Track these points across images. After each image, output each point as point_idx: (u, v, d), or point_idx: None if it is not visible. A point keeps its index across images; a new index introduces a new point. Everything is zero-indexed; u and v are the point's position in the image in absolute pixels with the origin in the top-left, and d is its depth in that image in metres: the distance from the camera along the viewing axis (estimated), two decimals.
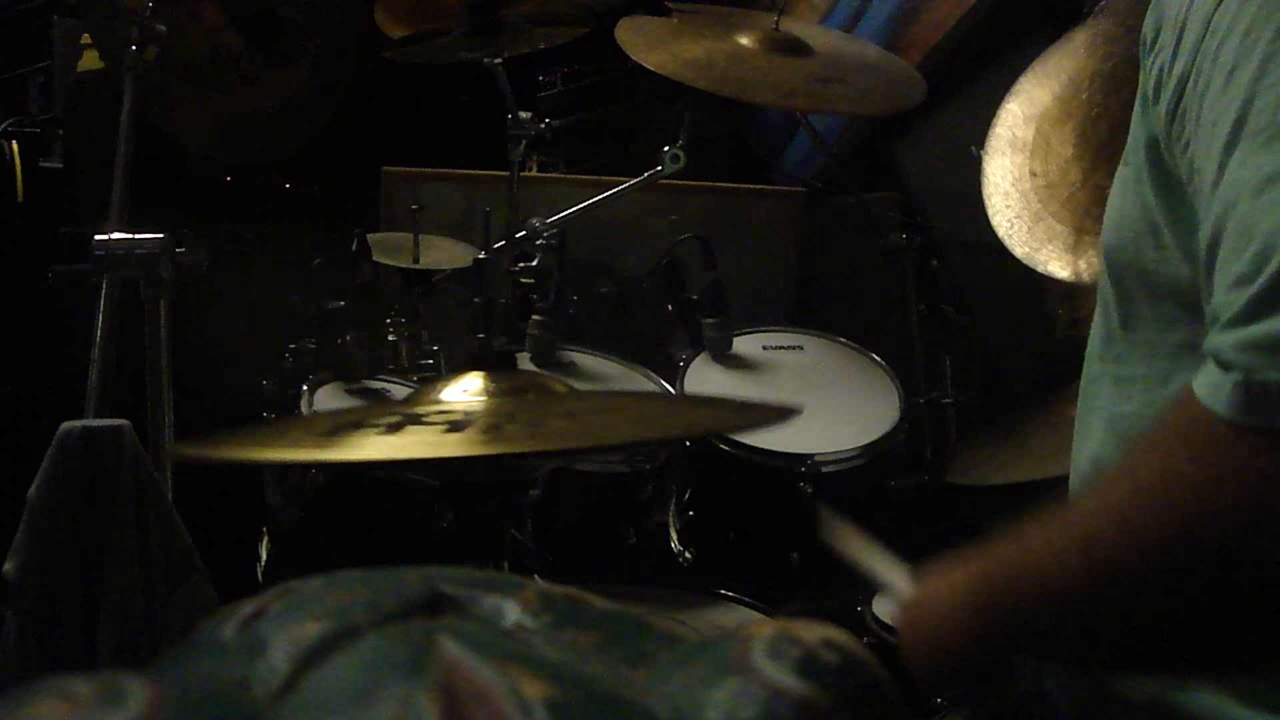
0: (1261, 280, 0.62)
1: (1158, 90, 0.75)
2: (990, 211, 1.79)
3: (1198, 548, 0.63)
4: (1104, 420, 0.87)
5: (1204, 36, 0.70)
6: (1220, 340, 0.64)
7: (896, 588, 0.91)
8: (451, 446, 0.75)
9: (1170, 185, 0.76)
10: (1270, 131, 0.65)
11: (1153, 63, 0.76)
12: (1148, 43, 0.77)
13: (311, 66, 2.60)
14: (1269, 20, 0.66)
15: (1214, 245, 0.67)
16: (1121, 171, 0.84)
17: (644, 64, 1.89)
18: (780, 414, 0.76)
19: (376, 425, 0.79)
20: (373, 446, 0.76)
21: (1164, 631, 0.68)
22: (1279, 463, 0.61)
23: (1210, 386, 0.64)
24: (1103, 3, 0.91)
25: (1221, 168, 0.67)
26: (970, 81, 2.44)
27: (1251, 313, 0.62)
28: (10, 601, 1.15)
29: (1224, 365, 0.63)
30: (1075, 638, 0.71)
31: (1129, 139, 0.82)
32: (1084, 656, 0.75)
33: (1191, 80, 0.71)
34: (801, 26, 2.21)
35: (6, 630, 1.15)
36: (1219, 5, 0.69)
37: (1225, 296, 0.64)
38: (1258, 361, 0.61)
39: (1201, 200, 0.70)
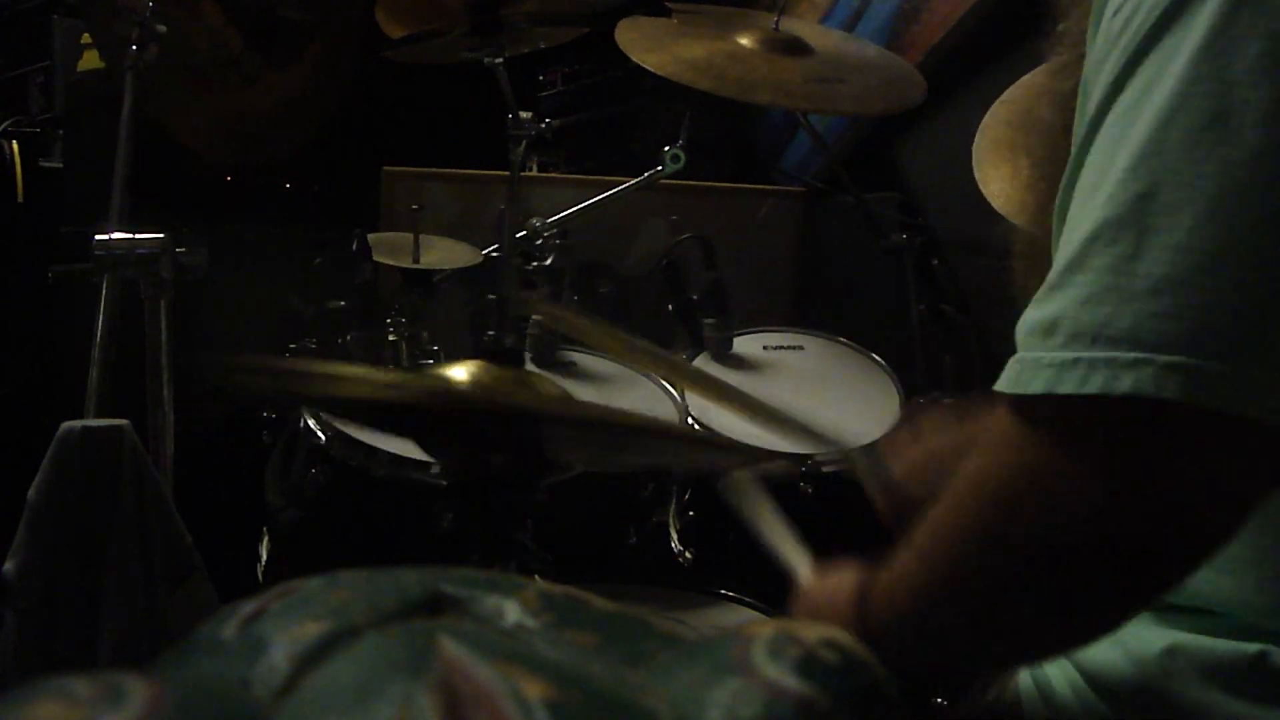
0: (1060, 264, 0.67)
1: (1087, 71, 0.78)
2: (980, 182, 1.78)
3: (978, 528, 0.70)
4: None
5: (1101, 41, 0.73)
6: (1020, 328, 0.70)
7: (796, 571, 0.96)
8: (425, 389, 0.74)
9: None
10: (1105, 136, 0.69)
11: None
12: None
13: (312, 66, 2.59)
14: (1135, 28, 0.69)
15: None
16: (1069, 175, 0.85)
17: (644, 65, 1.89)
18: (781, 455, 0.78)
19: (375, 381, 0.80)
20: (355, 382, 0.76)
21: (990, 618, 0.72)
22: (1032, 434, 0.66)
23: (1007, 373, 0.69)
24: (1059, 31, 0.92)
25: (1076, 168, 0.72)
26: (970, 81, 2.44)
27: (1039, 300, 0.69)
28: (10, 601, 1.15)
29: (1020, 348, 0.69)
30: (919, 641, 0.76)
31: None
32: (933, 659, 0.80)
33: (1094, 81, 0.74)
34: (801, 26, 2.21)
35: (6, 630, 1.15)
36: (1114, 12, 0.72)
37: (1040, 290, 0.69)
38: (1031, 344, 0.68)
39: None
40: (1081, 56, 0.84)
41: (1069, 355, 0.65)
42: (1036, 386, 0.66)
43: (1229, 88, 0.65)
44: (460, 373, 0.91)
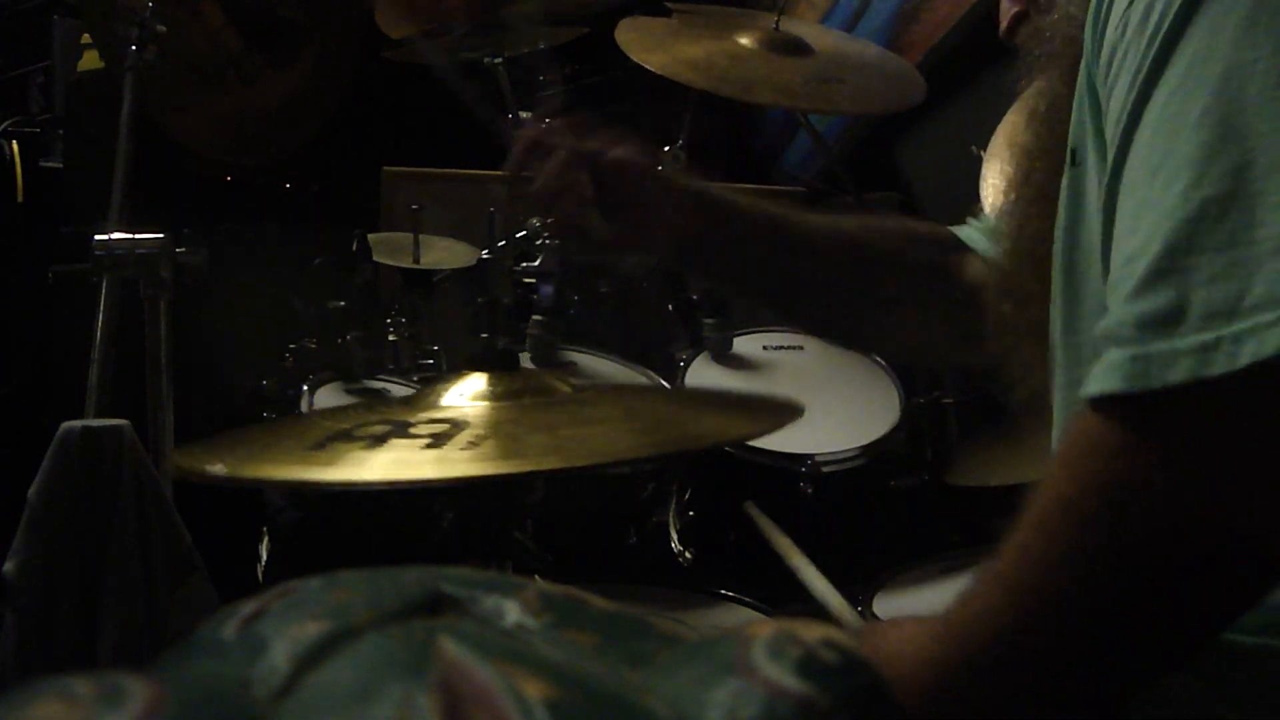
0: (1142, 264, 0.64)
1: (1102, 63, 0.77)
2: (988, 210, 1.79)
3: (1095, 546, 0.63)
4: (1060, 422, 0.89)
5: (1116, 35, 0.73)
6: (1107, 329, 0.65)
7: (830, 603, 0.92)
8: (418, 467, 0.75)
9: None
10: (1156, 123, 0.68)
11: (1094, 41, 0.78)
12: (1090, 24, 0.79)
13: (312, 66, 2.59)
14: (1163, 18, 0.69)
15: (1109, 230, 0.71)
16: (1070, 172, 0.85)
17: (644, 64, 1.89)
18: (782, 415, 0.77)
19: (363, 438, 0.80)
20: (352, 466, 0.76)
21: (1110, 644, 0.65)
22: (1177, 426, 0.62)
23: (1099, 377, 0.64)
24: (1040, 57, 0.92)
25: (1120, 160, 0.70)
26: (970, 81, 2.43)
27: (1134, 296, 0.64)
28: (10, 601, 1.15)
29: (1117, 342, 0.64)
30: (1018, 695, 0.67)
31: (1071, 138, 0.83)
32: (1025, 706, 0.68)
33: (1111, 75, 0.74)
34: (801, 26, 2.21)
35: (6, 630, 1.15)
36: (1130, 5, 0.72)
37: (1119, 274, 0.67)
38: (1144, 338, 0.63)
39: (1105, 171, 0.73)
40: (1063, 73, 0.84)
41: (1208, 336, 0.60)
42: (1177, 376, 0.60)
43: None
44: (459, 395, 0.90)
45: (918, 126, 2.66)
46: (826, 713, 0.44)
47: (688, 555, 1.78)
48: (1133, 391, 0.62)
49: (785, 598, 1.75)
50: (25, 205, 2.64)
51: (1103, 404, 0.64)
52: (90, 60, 2.77)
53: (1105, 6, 0.76)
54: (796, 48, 2.03)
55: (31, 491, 1.17)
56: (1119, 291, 0.66)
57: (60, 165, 2.73)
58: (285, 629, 0.46)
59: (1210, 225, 0.63)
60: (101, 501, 1.17)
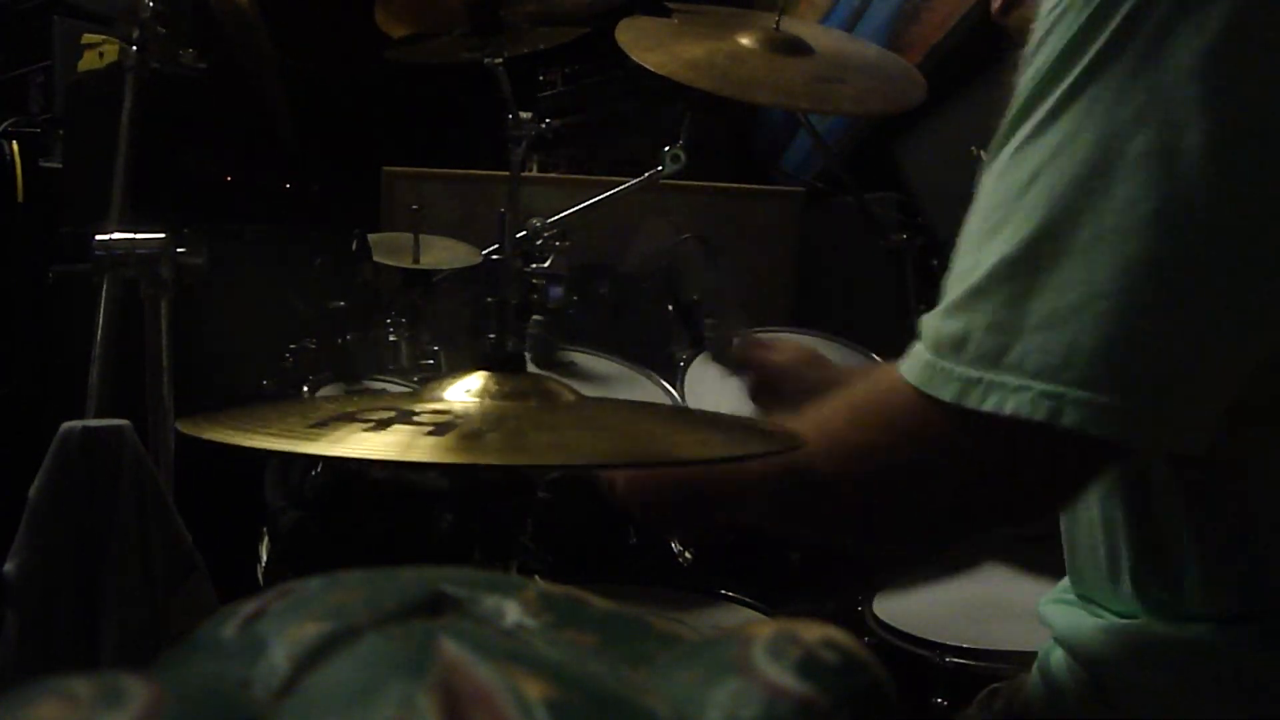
0: (966, 285, 0.78)
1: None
2: None
3: (870, 465, 0.84)
4: None
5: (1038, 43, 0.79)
6: (928, 324, 0.81)
7: None
8: (422, 451, 0.75)
9: None
10: (1036, 125, 0.77)
11: None
12: None
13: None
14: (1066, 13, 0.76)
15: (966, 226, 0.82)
16: None
17: (644, 64, 1.89)
18: (783, 444, 0.82)
19: (367, 420, 0.80)
20: (351, 442, 0.77)
21: (827, 516, 0.90)
22: (936, 424, 0.78)
23: (911, 358, 0.81)
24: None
25: (994, 152, 0.80)
26: (970, 81, 2.44)
27: (951, 311, 0.79)
28: (10, 601, 1.15)
29: (926, 345, 0.80)
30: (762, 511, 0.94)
31: None
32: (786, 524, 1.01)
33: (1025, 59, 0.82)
34: (802, 26, 2.21)
35: (6, 630, 1.15)
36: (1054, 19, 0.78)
37: (948, 285, 0.81)
38: (942, 352, 0.78)
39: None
40: None
41: (974, 374, 0.76)
42: (947, 394, 0.77)
43: (1110, 140, 0.72)
44: (462, 391, 0.90)
45: (918, 126, 2.66)
46: (827, 713, 0.44)
47: (688, 555, 1.78)
48: (919, 389, 0.79)
49: (785, 598, 1.75)
50: (25, 205, 2.64)
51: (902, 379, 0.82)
52: (90, 60, 2.77)
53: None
54: (797, 48, 2.02)
55: (31, 491, 1.17)
56: (944, 298, 0.80)
57: (60, 165, 2.73)
58: (285, 629, 0.46)
59: (1000, 282, 0.76)
60: (101, 501, 1.17)
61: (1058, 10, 0.76)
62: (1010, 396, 0.74)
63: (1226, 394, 0.75)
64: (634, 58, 1.91)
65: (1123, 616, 0.89)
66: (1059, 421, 0.72)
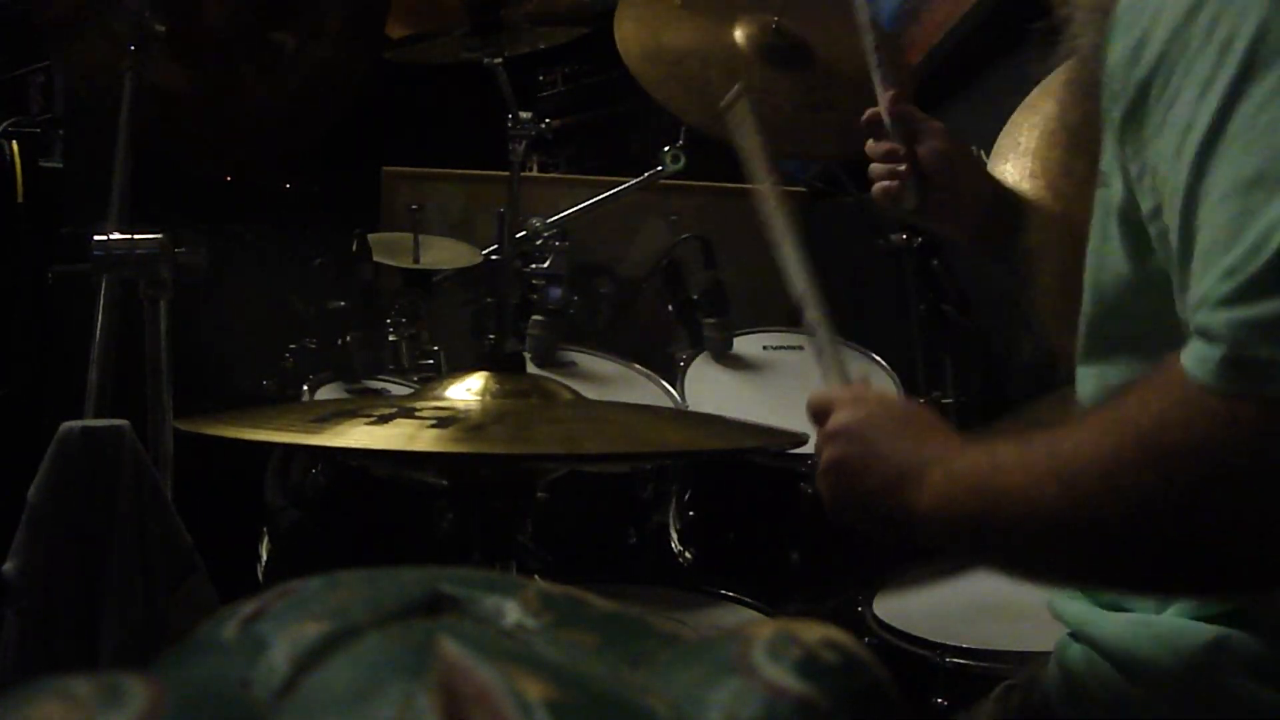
0: (1253, 268, 0.68)
1: (1114, 99, 0.80)
2: None
3: (1179, 502, 0.71)
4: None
5: (1169, 49, 0.75)
6: (1211, 319, 0.70)
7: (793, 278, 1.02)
8: (427, 442, 0.75)
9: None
10: (1250, 135, 0.70)
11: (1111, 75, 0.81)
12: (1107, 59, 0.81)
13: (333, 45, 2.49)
14: (1242, 34, 0.71)
15: (1189, 238, 0.73)
16: (1100, 192, 0.87)
17: (640, 80, 1.89)
18: (781, 440, 0.79)
19: (369, 415, 0.80)
20: (355, 435, 0.77)
21: (1124, 563, 0.77)
22: (1261, 427, 0.67)
23: (1198, 359, 0.70)
24: (1070, 48, 0.93)
25: (1199, 169, 0.72)
26: (970, 81, 2.43)
27: (1243, 295, 0.68)
28: (10, 601, 1.15)
29: (1213, 340, 0.69)
30: (1028, 555, 0.81)
31: (1102, 161, 0.86)
32: (1029, 571, 0.86)
33: (1156, 87, 0.76)
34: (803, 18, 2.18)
35: (7, 630, 1.15)
36: (1190, 20, 0.74)
37: (1215, 284, 0.70)
38: (1245, 337, 0.68)
39: (1164, 195, 0.76)
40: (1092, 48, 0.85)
41: None
42: (1271, 386, 0.66)
43: None
44: (464, 390, 0.91)
45: None
46: (826, 713, 0.44)
47: (688, 555, 1.78)
48: (1225, 391, 0.68)
49: (785, 598, 1.75)
50: (25, 205, 2.64)
51: (1196, 382, 0.70)
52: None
53: (1133, 36, 0.77)
54: (794, 54, 2.01)
55: (31, 491, 1.17)
56: (1213, 290, 0.70)
57: (60, 165, 2.73)
58: (285, 629, 0.46)
59: None
60: (101, 501, 1.17)
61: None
62: None
63: None
64: (629, 65, 1.91)
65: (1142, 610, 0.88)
66: None
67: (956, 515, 0.82)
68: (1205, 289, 0.71)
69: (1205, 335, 0.70)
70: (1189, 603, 0.85)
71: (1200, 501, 0.70)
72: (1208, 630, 0.84)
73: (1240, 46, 0.71)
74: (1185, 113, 0.74)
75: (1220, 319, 0.69)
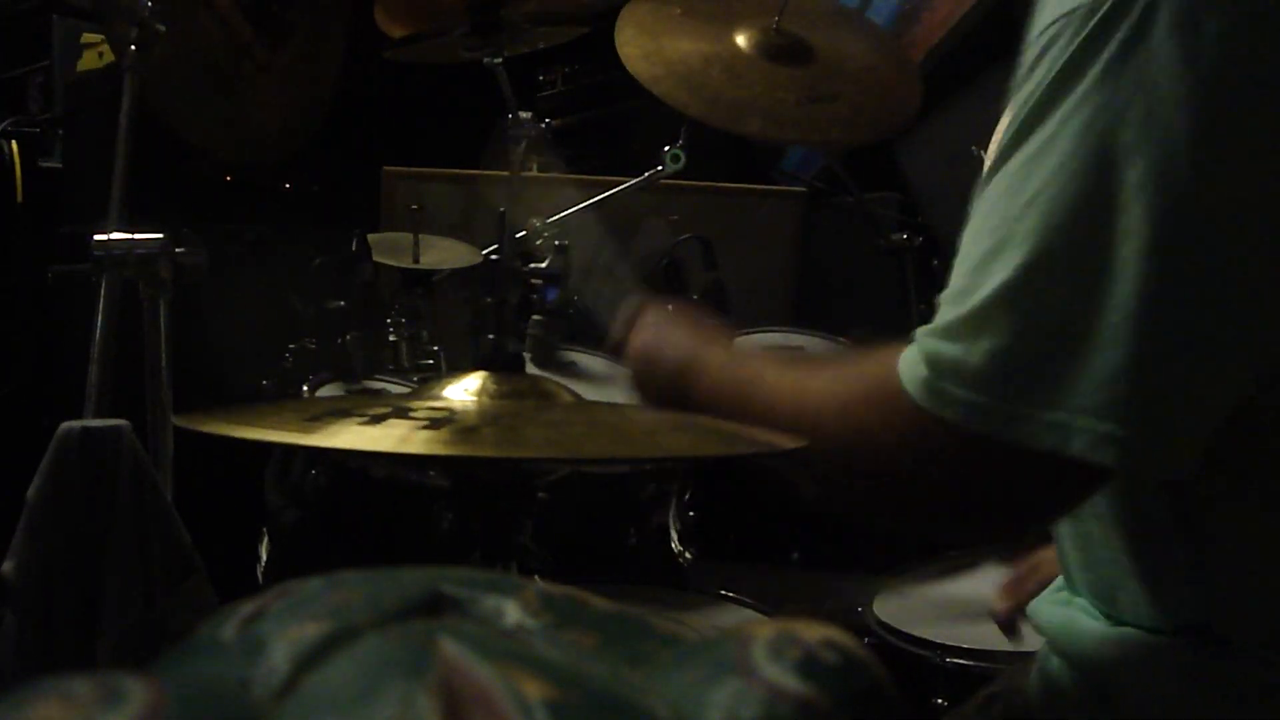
0: (966, 308, 0.78)
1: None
2: None
3: (861, 466, 0.87)
4: None
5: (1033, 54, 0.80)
6: (927, 341, 0.81)
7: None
8: (419, 443, 0.75)
9: None
10: (1002, 188, 0.78)
11: None
12: None
13: (305, 40, 2.49)
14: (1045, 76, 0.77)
15: (963, 238, 0.82)
16: None
17: (639, 78, 1.89)
18: (778, 445, 0.82)
19: (363, 414, 0.80)
20: (346, 436, 0.77)
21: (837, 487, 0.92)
22: (937, 440, 0.79)
23: (909, 368, 0.82)
24: None
25: (993, 170, 0.80)
26: (970, 81, 2.44)
27: (951, 332, 0.79)
28: (10, 602, 1.15)
29: (924, 361, 0.80)
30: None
31: None
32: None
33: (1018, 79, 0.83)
34: (803, 21, 2.19)
35: (6, 630, 1.15)
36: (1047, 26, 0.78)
37: (944, 300, 0.82)
38: (943, 373, 0.79)
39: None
40: None
41: (976, 398, 0.77)
42: (950, 415, 0.78)
43: (1106, 166, 0.73)
44: (461, 390, 0.90)
45: (918, 126, 2.66)
46: (827, 713, 0.44)
47: (688, 555, 1.78)
48: (919, 404, 0.80)
49: (785, 598, 1.75)
50: (25, 205, 2.64)
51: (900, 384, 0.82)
52: (90, 60, 2.77)
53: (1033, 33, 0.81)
54: (795, 51, 2.02)
55: (31, 491, 1.17)
56: (941, 312, 0.81)
57: (60, 165, 2.73)
58: (285, 629, 0.46)
59: (1004, 307, 0.76)
60: (101, 501, 1.17)
61: (1049, 34, 0.77)
62: (1015, 426, 0.75)
63: (1215, 423, 0.77)
64: (628, 66, 1.91)
65: (1114, 620, 0.89)
66: (1066, 449, 0.73)
67: (722, 409, 0.93)
68: (942, 298, 0.82)
69: (920, 350, 0.81)
70: (1165, 620, 0.86)
71: (871, 473, 0.86)
72: (1182, 651, 0.84)
73: (1040, 84, 0.77)
74: (1003, 125, 0.82)
75: (930, 345, 0.80)
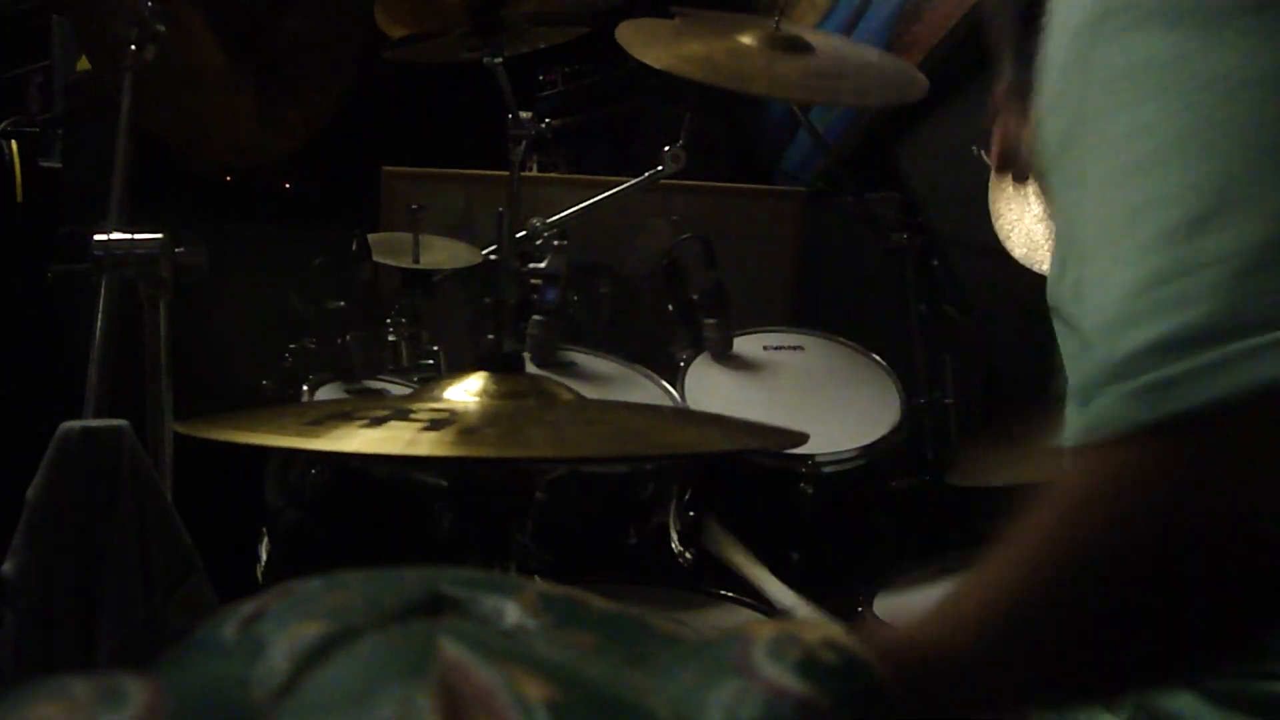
0: (1129, 289, 0.62)
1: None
2: (993, 214, 1.79)
3: (1121, 553, 0.61)
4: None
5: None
6: (1083, 375, 0.64)
7: (783, 602, 0.95)
8: (421, 445, 0.75)
9: None
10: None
11: None
12: None
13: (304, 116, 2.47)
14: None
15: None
16: None
17: (643, 59, 1.89)
18: (782, 439, 0.78)
19: (363, 417, 0.80)
20: (348, 439, 0.77)
21: (1127, 642, 0.63)
22: (1175, 453, 0.60)
23: (1075, 424, 0.63)
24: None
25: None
26: (971, 81, 2.43)
27: (1119, 325, 0.62)
28: (10, 602, 1.15)
29: (1091, 390, 0.62)
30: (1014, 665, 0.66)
31: None
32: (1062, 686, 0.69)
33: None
34: (803, 30, 2.21)
35: (6, 630, 1.15)
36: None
37: (1087, 314, 0.65)
38: (1139, 366, 0.60)
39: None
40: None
41: (1203, 360, 0.58)
42: (1173, 406, 0.58)
43: (1222, 85, 0.62)
44: (462, 391, 0.91)
45: (918, 126, 2.66)
46: (827, 713, 0.44)
47: (688, 555, 1.78)
48: (1151, 420, 0.60)
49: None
50: (25, 205, 2.64)
51: (1109, 441, 0.62)
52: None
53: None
54: (797, 46, 2.02)
55: (30, 491, 1.17)
56: (1108, 332, 0.63)
57: (60, 165, 2.73)
58: (285, 629, 0.46)
59: (1177, 244, 0.61)
60: (101, 502, 1.17)
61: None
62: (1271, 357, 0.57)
63: None
64: (633, 54, 1.91)
65: None
66: None
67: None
68: (1094, 326, 0.65)
69: (1108, 376, 0.62)
70: None
71: (1157, 546, 0.60)
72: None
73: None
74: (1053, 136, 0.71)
75: (1085, 374, 0.64)
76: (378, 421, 0.80)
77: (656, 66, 1.87)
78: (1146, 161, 0.64)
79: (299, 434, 0.79)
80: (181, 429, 0.85)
